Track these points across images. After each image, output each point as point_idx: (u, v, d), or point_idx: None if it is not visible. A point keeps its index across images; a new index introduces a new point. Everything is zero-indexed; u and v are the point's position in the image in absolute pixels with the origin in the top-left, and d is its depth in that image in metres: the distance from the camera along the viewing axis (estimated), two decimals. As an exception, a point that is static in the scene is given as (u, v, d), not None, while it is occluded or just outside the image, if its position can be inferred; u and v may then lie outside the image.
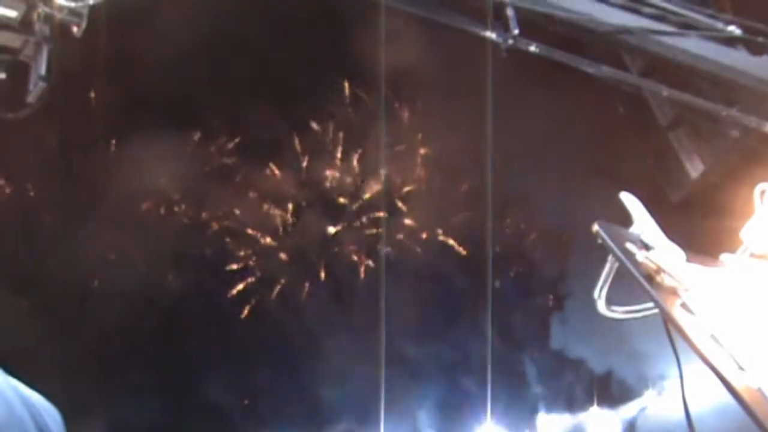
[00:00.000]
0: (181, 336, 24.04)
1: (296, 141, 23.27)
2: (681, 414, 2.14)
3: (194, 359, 22.95)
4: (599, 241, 2.11)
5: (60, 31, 3.28)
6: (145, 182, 20.47)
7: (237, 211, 23.96)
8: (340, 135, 22.77)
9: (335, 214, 25.36)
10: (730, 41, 5.89)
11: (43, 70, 3.32)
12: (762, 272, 2.44)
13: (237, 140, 21.87)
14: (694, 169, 6.38)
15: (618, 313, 2.23)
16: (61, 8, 3.18)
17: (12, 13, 3.20)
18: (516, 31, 4.50)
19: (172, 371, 23.03)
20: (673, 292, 2.09)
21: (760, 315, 2.23)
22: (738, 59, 5.86)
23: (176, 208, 22.68)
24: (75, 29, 3.23)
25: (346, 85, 20.78)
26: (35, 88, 3.29)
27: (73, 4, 3.21)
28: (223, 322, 24.81)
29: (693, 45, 5.71)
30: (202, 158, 22.08)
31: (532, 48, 4.69)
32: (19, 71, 3.36)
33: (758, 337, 2.12)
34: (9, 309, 18.81)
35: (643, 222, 2.25)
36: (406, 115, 20.54)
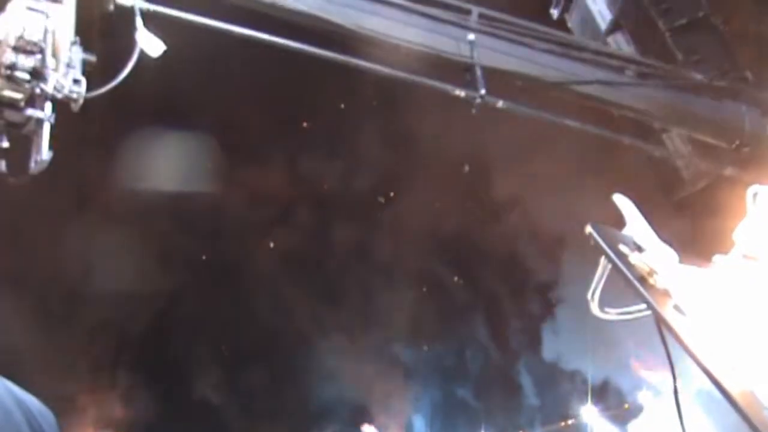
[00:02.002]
0: (170, 334, 24.21)
1: (287, 142, 23.28)
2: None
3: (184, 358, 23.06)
4: (592, 242, 2.11)
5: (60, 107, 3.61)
6: (136, 182, 20.43)
7: (227, 210, 24.01)
8: (331, 136, 22.79)
9: (327, 211, 25.49)
10: (694, 87, 5.96)
11: (45, 146, 3.64)
12: (754, 274, 2.44)
13: (227, 140, 21.84)
14: (688, 170, 6.39)
15: (611, 314, 2.22)
16: (61, 89, 3.48)
17: (18, 96, 3.54)
18: (483, 91, 4.70)
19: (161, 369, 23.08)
20: (666, 293, 2.09)
21: (752, 316, 2.23)
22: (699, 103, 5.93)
23: (168, 207, 22.66)
24: (73, 105, 3.53)
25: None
26: (38, 162, 3.58)
27: (75, 94, 3.50)
28: (214, 321, 24.92)
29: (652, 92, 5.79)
30: (193, 158, 22.06)
31: (500, 104, 4.87)
32: (23, 140, 3.64)
33: (751, 339, 2.12)
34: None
35: (636, 224, 2.24)
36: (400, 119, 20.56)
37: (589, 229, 2.10)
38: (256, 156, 22.62)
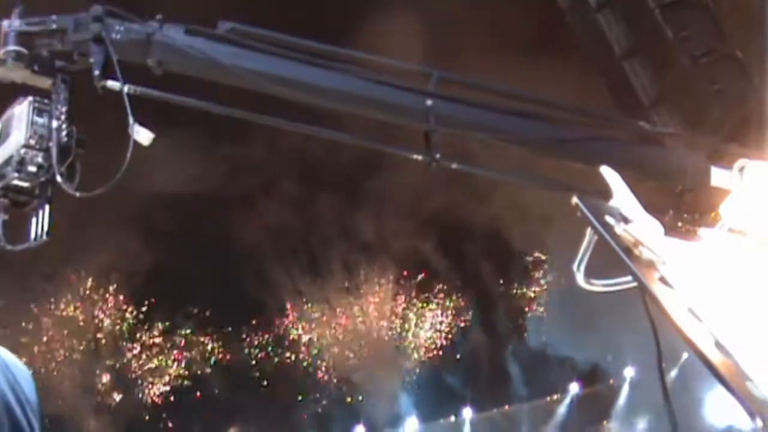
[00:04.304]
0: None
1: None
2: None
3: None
4: (578, 213, 2.09)
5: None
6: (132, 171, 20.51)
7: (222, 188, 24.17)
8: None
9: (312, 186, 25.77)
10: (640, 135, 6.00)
11: (46, 224, 3.98)
12: (740, 247, 2.44)
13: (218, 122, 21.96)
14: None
15: (597, 286, 2.21)
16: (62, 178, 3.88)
17: (25, 184, 3.96)
18: (438, 155, 4.88)
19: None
20: (652, 265, 2.08)
21: (736, 289, 2.23)
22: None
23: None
24: (68, 189, 3.89)
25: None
26: (38, 237, 3.93)
27: (71, 181, 3.87)
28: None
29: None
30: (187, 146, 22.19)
31: (454, 166, 5.01)
32: (23, 215, 4.06)
33: (735, 311, 2.11)
34: None
35: (622, 195, 2.23)
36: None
37: (575, 200, 2.09)
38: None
